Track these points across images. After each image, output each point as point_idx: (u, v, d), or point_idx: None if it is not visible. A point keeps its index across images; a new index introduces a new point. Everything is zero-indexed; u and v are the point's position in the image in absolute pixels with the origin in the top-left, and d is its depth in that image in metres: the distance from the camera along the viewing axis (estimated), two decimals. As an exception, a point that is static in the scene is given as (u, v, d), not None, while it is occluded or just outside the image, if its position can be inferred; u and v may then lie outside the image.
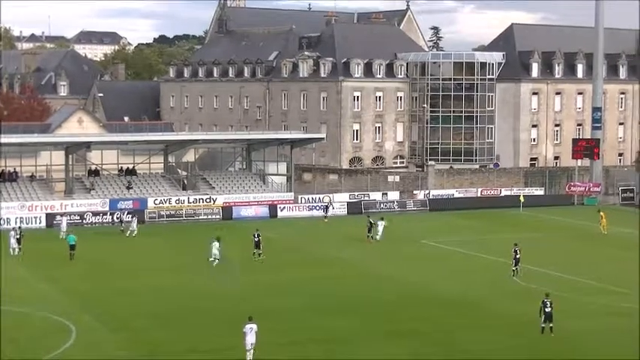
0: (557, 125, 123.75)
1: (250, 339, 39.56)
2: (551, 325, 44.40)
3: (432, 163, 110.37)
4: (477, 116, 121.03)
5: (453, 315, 49.37)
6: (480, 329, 46.33)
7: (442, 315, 49.36)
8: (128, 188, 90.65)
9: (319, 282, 57.95)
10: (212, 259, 62.23)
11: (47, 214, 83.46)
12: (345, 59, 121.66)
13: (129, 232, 76.46)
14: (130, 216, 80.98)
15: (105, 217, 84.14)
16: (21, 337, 43.63)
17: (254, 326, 39.78)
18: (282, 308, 50.42)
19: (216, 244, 62.69)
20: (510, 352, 42.18)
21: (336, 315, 48.65)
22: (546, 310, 44.48)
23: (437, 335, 44.95)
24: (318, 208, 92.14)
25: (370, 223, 74.34)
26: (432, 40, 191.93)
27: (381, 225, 74.53)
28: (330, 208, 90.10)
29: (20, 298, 51.77)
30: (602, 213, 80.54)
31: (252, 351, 39.57)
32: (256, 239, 65.49)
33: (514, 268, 59.18)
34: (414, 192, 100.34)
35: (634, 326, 46.34)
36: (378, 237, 73.58)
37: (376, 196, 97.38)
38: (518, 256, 59.28)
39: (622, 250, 71.14)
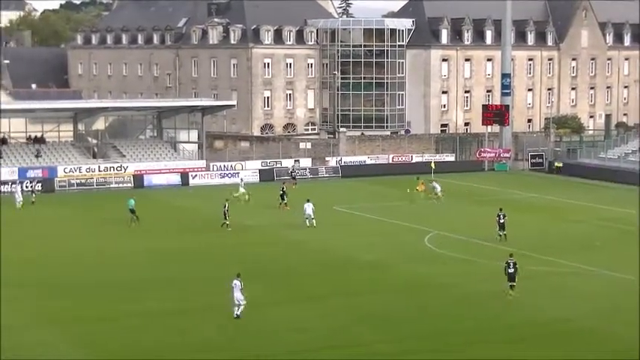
0: (467, 91, 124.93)
1: (237, 294, 40.99)
2: (513, 284, 45.19)
3: (344, 129, 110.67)
4: (387, 83, 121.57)
5: (361, 279, 49.91)
6: (386, 292, 46.96)
7: (350, 279, 49.88)
8: (37, 157, 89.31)
9: (228, 249, 58.05)
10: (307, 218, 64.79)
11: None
12: (254, 26, 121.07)
13: (18, 203, 74.16)
14: (15, 185, 79.38)
15: (14, 186, 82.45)
16: None
17: (238, 282, 41.28)
18: (191, 275, 50.47)
19: (310, 205, 64.95)
20: (405, 313, 42.88)
21: (245, 281, 48.64)
22: (509, 270, 45.27)
23: (343, 299, 45.35)
24: (230, 175, 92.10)
25: (283, 190, 74.51)
26: (341, 7, 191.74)
27: (437, 186, 77.77)
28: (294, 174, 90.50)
29: None
30: (421, 181, 79.95)
31: (241, 307, 40.91)
32: (224, 209, 64.71)
33: (500, 233, 59.65)
34: (326, 159, 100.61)
35: (542, 288, 47.37)
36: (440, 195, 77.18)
37: (288, 163, 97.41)
38: (502, 221, 59.71)
39: (529, 214, 72.24)
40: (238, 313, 41.18)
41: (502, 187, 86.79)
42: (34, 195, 77.79)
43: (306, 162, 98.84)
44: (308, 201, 66.35)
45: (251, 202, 74.66)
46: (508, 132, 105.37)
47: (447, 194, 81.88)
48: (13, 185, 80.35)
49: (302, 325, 40.58)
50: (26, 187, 79.92)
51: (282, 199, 73.29)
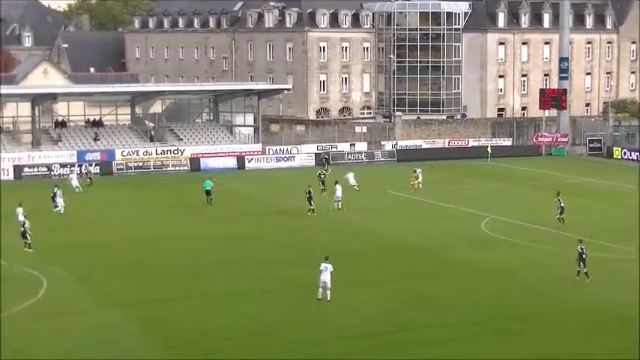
0: (524, 75, 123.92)
1: (324, 277, 41.16)
2: (585, 270, 45.27)
3: (399, 113, 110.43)
4: (443, 66, 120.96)
5: (415, 264, 49.85)
6: (440, 277, 46.85)
7: (404, 264, 49.80)
8: (95, 140, 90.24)
9: (282, 233, 58.29)
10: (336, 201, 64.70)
11: (15, 166, 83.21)
12: (310, 9, 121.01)
13: (76, 188, 73.68)
14: (69, 170, 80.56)
15: (73, 168, 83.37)
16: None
17: (329, 266, 41.27)
18: (245, 258, 50.78)
19: (339, 187, 64.77)
20: (460, 298, 42.75)
21: (296, 265, 48.91)
22: (584, 256, 45.40)
23: (396, 284, 45.33)
24: (286, 159, 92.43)
25: (321, 175, 74.05)
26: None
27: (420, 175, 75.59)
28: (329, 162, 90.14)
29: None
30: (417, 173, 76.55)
31: (327, 290, 41.04)
32: (308, 195, 64.07)
33: (558, 217, 59.49)
34: (382, 143, 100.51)
35: (600, 275, 46.94)
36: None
37: (344, 147, 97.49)
38: (562, 205, 59.54)
39: (587, 199, 71.52)
40: (320, 296, 41.20)
41: (559, 171, 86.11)
42: (89, 180, 78.44)
43: (361, 146, 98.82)
44: (337, 183, 66.33)
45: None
46: (566, 116, 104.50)
47: (502, 179, 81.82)
48: (67, 169, 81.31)
49: (354, 310, 40.63)
50: (80, 172, 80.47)
51: (322, 184, 72.38)
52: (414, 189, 74.62)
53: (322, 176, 73.94)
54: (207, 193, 67.91)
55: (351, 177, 73.97)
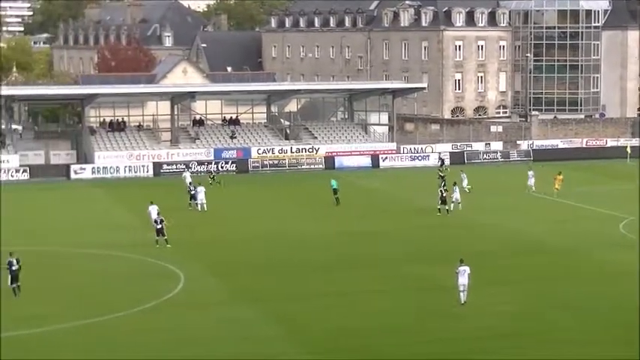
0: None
1: (462, 280, 40.64)
2: None
3: (536, 113, 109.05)
4: (581, 65, 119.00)
5: (553, 265, 49.07)
6: (577, 279, 46.02)
7: (542, 265, 49.10)
8: (232, 138, 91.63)
9: (418, 231, 58.18)
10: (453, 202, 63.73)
11: (154, 163, 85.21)
12: (446, 8, 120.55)
13: (189, 185, 69.83)
14: (184, 168, 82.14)
15: (210, 166, 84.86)
16: (132, 282, 45.20)
17: (467, 268, 40.74)
18: (379, 256, 50.96)
19: (457, 189, 64.56)
20: (598, 300, 41.89)
21: (429, 263, 48.84)
22: None
23: (534, 284, 44.72)
24: (421, 158, 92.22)
25: (441, 177, 72.89)
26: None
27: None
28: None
29: (132, 246, 53.23)
30: (560, 176, 72.71)
31: (465, 292, 40.55)
32: (443, 195, 63.91)
33: None
34: (518, 142, 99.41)
35: None
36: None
37: (479, 146, 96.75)
38: None
39: None
40: (463, 300, 40.60)
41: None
42: (212, 179, 76.93)
43: (497, 145, 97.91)
44: (455, 184, 66.13)
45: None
46: None
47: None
48: (183, 167, 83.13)
49: (489, 310, 40.28)
50: (209, 171, 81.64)
51: (443, 185, 69.75)
52: (554, 189, 72.92)
53: (442, 177, 73.23)
54: (334, 192, 67.72)
55: (464, 178, 73.16)
